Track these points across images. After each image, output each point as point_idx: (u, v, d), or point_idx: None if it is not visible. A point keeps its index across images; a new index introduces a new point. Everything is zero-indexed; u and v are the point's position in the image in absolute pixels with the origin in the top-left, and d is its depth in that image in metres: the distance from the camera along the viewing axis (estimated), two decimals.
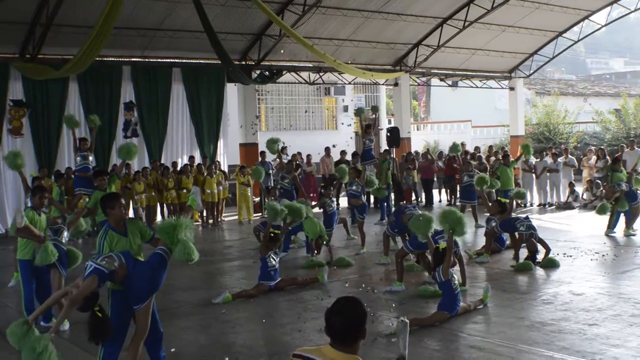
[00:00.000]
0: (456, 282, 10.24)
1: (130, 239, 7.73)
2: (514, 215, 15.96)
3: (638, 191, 18.13)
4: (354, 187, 17.20)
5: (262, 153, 24.43)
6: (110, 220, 7.77)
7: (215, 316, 10.79)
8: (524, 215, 14.94)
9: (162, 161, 23.85)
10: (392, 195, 22.82)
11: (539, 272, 13.32)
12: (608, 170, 20.17)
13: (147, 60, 24.49)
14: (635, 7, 32.07)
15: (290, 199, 17.70)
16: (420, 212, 12.58)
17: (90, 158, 17.10)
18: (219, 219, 22.83)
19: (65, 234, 10.59)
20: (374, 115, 21.63)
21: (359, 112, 20.98)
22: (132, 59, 24.17)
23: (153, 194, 21.90)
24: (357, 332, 4.26)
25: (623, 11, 33.42)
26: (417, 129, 44.54)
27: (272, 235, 12.60)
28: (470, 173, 20.04)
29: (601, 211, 17.89)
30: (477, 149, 28.24)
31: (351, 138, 35.48)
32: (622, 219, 17.74)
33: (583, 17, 31.37)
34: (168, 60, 24.97)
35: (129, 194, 20.87)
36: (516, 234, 14.33)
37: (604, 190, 19.72)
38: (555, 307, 10.44)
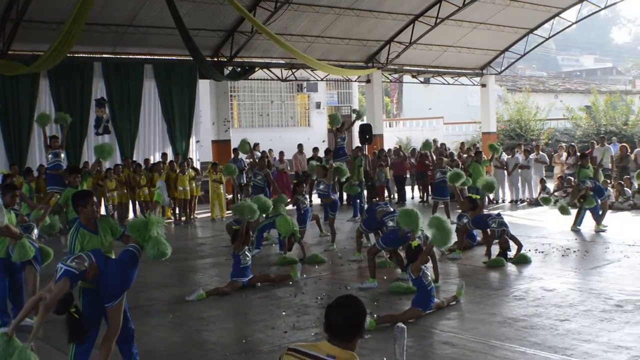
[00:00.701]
0: (429, 278, 10.26)
1: (102, 237, 7.68)
2: (486, 211, 16.07)
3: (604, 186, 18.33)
4: (321, 187, 17.16)
5: (235, 150, 24.40)
6: (81, 218, 7.71)
7: (189, 313, 10.75)
8: (496, 212, 15.01)
9: (134, 158, 23.72)
10: (365, 192, 22.83)
11: (511, 268, 13.39)
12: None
13: (118, 56, 24.34)
14: (605, 4, 32.30)
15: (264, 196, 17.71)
16: (392, 209, 12.60)
17: (62, 155, 16.97)
18: (192, 217, 22.73)
19: (36, 231, 10.50)
20: (358, 120, 21.66)
21: (333, 119, 20.78)
22: (104, 55, 24.03)
23: (125, 191, 21.78)
24: (356, 329, 4.29)
25: (593, 8, 33.61)
26: (390, 126, 44.62)
27: (234, 230, 12.71)
28: (442, 170, 20.10)
29: (563, 211, 18.08)
30: (442, 145, 28.36)
31: (324, 141, 35.45)
32: (587, 215, 17.87)
33: (554, 15, 31.57)
34: (140, 56, 24.83)
35: (101, 191, 20.73)
36: (488, 230, 14.41)
37: (568, 188, 19.89)
38: (527, 303, 10.50)
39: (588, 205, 17.63)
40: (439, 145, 28.64)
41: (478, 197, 15.92)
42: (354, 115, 22.34)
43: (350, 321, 4.28)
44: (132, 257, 7.37)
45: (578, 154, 24.01)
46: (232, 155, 24.27)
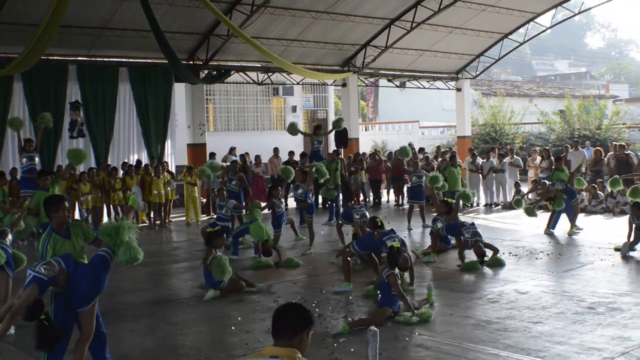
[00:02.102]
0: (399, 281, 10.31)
1: (74, 242, 7.65)
2: (461, 217, 16.14)
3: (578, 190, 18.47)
4: (299, 192, 17.13)
5: (212, 154, 24.38)
6: (53, 223, 7.67)
7: (163, 318, 10.73)
8: (470, 222, 15.06)
9: (109, 162, 23.58)
10: (341, 196, 22.85)
11: (485, 271, 13.46)
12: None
13: (93, 59, 24.23)
14: (579, 9, 32.64)
15: (238, 201, 17.68)
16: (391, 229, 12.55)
17: (37, 159, 16.88)
18: (167, 220, 22.64)
19: (10, 236, 10.43)
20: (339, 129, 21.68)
21: (292, 130, 20.72)
22: (78, 58, 23.87)
23: (100, 195, 21.65)
24: (294, 328, 4.47)
25: (568, 14, 33.94)
26: (365, 130, 44.72)
27: (208, 233, 12.82)
28: (418, 174, 20.15)
29: (529, 213, 18.23)
30: (421, 150, 28.44)
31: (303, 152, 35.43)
32: (563, 218, 18.01)
33: (528, 19, 31.79)
34: (115, 59, 24.70)
35: (75, 195, 20.61)
36: (462, 237, 14.44)
37: (540, 189, 20.04)
38: (501, 306, 10.57)
39: (557, 207, 17.79)
40: (416, 150, 28.73)
41: (453, 201, 16.01)
42: (332, 124, 22.32)
43: (287, 322, 4.48)
44: (103, 261, 7.35)
45: (552, 157, 24.18)
46: (208, 159, 24.28)
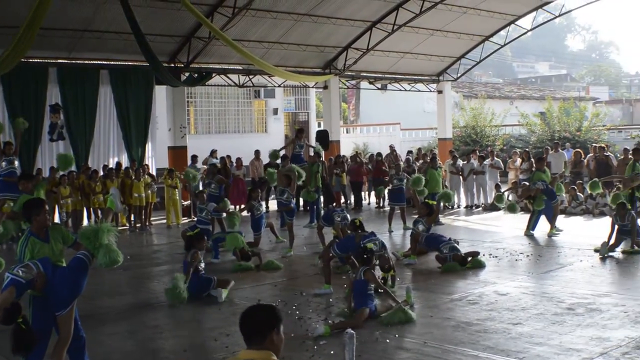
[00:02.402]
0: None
1: (53, 245, 7.61)
2: (442, 219, 16.17)
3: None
4: (284, 196, 17.02)
5: (194, 157, 24.33)
6: (33, 227, 7.63)
7: (143, 321, 10.70)
8: (449, 237, 15.10)
9: (89, 164, 23.49)
10: (322, 198, 22.86)
11: (465, 272, 13.50)
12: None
13: (73, 61, 24.14)
14: (559, 12, 32.75)
15: (218, 203, 17.60)
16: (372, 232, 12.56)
17: (16, 163, 16.75)
18: (147, 223, 22.57)
19: None
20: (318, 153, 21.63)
21: (272, 155, 20.39)
22: (59, 61, 23.79)
23: (79, 198, 21.52)
24: (264, 330, 4.44)
25: (548, 16, 34.04)
26: (347, 132, 44.78)
27: (189, 236, 12.88)
28: (399, 176, 20.18)
29: (510, 209, 18.34)
30: (410, 152, 28.50)
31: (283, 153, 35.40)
32: (543, 219, 18.11)
33: (509, 22, 31.93)
34: (95, 62, 24.63)
35: (55, 198, 20.50)
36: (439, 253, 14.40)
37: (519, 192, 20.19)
38: (481, 307, 10.61)
39: (537, 206, 17.89)
40: (396, 151, 28.85)
41: (434, 202, 16.06)
42: (313, 148, 22.27)
43: (254, 326, 4.46)
44: (81, 264, 7.31)
45: (532, 159, 24.28)
46: (191, 162, 24.26)
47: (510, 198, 22.19)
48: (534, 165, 19.36)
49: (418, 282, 12.79)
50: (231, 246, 14.82)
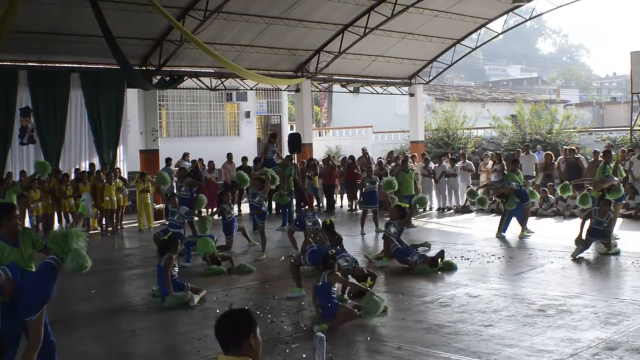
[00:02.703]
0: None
1: (22, 250, 7.55)
2: (412, 230, 16.18)
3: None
4: (256, 199, 16.98)
5: (168, 159, 24.26)
6: (2, 232, 7.57)
7: (114, 326, 10.63)
8: (420, 245, 15.15)
9: (60, 168, 23.29)
10: (294, 201, 22.86)
11: (437, 275, 13.55)
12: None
13: (44, 64, 23.93)
14: (530, 15, 32.98)
15: (189, 207, 17.52)
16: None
17: None
18: (119, 227, 22.45)
19: None
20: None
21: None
22: (29, 64, 23.59)
23: (50, 201, 21.36)
24: (239, 335, 4.40)
25: (519, 19, 34.35)
26: (319, 135, 44.77)
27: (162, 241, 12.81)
28: (372, 179, 20.22)
29: (481, 202, 18.55)
30: (391, 154, 28.53)
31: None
32: (514, 222, 18.22)
33: (480, 25, 32.09)
34: (66, 65, 24.45)
35: (25, 202, 20.30)
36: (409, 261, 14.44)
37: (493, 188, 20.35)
38: (453, 310, 10.65)
39: (508, 206, 18.02)
40: (368, 154, 28.92)
41: (407, 205, 16.12)
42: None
43: (229, 334, 4.41)
44: (50, 269, 7.25)
45: (504, 162, 24.43)
46: (165, 164, 24.20)
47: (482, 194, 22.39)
48: (508, 167, 19.47)
49: (390, 284, 12.82)
50: (202, 251, 14.78)
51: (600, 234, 15.12)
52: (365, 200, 20.68)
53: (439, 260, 14.14)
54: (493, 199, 22.56)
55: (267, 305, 11.31)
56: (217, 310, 11.03)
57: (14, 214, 7.62)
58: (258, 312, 10.62)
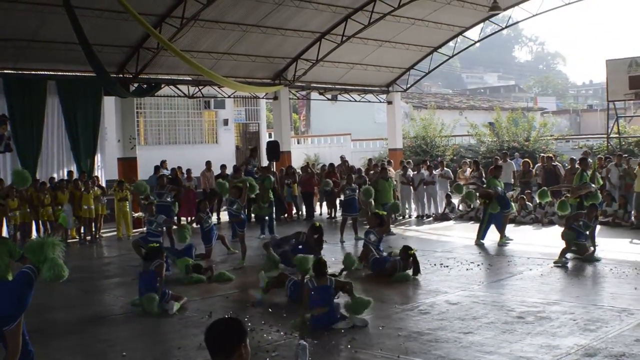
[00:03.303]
0: None
1: None
2: (391, 237, 16.18)
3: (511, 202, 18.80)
4: (234, 207, 16.94)
5: (157, 167, 24.15)
6: None
7: (94, 335, 10.55)
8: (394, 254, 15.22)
9: (37, 176, 23.12)
10: (274, 210, 22.79)
11: (417, 283, 13.56)
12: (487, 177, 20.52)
13: (20, 72, 23.75)
14: (506, 23, 33.20)
15: (168, 215, 17.44)
16: None
17: None
18: (97, 236, 22.31)
19: None
20: None
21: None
22: (5, 71, 23.40)
23: (28, 210, 21.19)
24: (230, 344, 4.34)
25: (495, 28, 34.58)
26: (298, 143, 44.78)
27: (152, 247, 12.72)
28: (351, 187, 20.22)
29: (468, 197, 18.76)
30: (389, 163, 28.58)
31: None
32: (492, 229, 18.28)
33: (457, 33, 32.25)
34: (42, 72, 24.29)
35: (2, 210, 20.17)
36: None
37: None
38: (432, 317, 10.66)
39: (491, 209, 18.03)
40: (348, 161, 28.95)
41: (384, 213, 16.14)
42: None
43: (221, 342, 4.35)
44: (26, 278, 7.20)
45: (481, 169, 24.52)
46: (154, 171, 24.09)
47: (460, 208, 22.43)
48: (490, 172, 19.39)
49: (369, 292, 12.78)
50: (181, 269, 14.75)
51: (584, 238, 15.24)
52: (345, 208, 20.68)
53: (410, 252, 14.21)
54: (472, 206, 22.69)
55: (246, 313, 11.27)
56: (203, 319, 11.01)
57: None
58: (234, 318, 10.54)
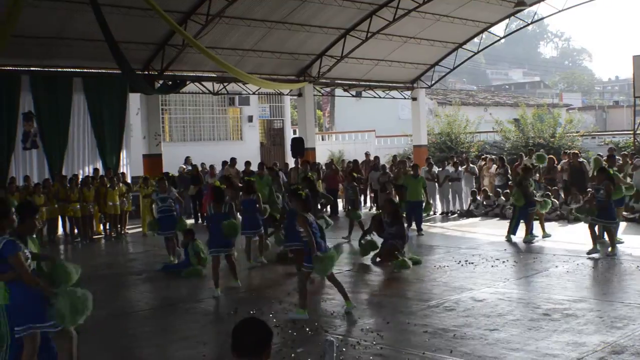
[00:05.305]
0: None
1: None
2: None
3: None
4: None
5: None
6: (21, 228, 7.53)
7: (120, 331, 10.61)
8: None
9: (64, 173, 23.30)
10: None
11: (441, 279, 13.50)
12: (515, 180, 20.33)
13: (46, 69, 23.93)
14: (532, 19, 32.99)
15: (171, 225, 16.55)
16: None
17: None
18: (123, 232, 22.43)
19: None
20: None
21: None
22: (31, 68, 23.59)
23: (55, 206, 21.32)
24: (264, 349, 4.35)
25: (521, 23, 34.34)
26: (322, 139, 44.74)
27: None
28: (352, 186, 20.32)
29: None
30: (378, 158, 28.45)
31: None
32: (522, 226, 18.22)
33: (482, 29, 32.12)
34: (68, 69, 24.45)
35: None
36: None
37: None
38: (457, 314, 10.61)
39: (516, 202, 17.97)
40: (371, 158, 28.88)
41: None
42: None
43: (251, 342, 4.35)
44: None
45: (507, 166, 24.39)
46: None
47: (485, 204, 22.38)
48: (520, 173, 19.16)
49: (395, 288, 12.80)
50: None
51: (602, 208, 15.18)
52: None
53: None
54: (495, 202, 22.58)
55: (272, 309, 11.28)
56: (228, 314, 11.01)
57: (37, 215, 7.68)
58: (236, 324, 10.58)
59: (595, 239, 15.28)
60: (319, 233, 10.71)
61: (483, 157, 27.93)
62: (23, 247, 7.09)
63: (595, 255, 14.98)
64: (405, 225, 16.63)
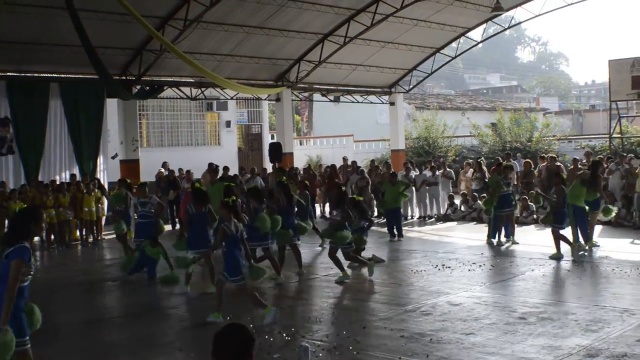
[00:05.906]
0: None
1: None
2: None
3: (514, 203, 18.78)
4: None
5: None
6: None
7: (95, 337, 10.56)
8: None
9: (40, 178, 23.15)
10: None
11: (418, 283, 13.54)
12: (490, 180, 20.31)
13: (23, 74, 23.79)
14: (509, 24, 33.17)
15: (148, 231, 16.39)
16: None
17: None
18: (99, 237, 22.31)
19: None
20: None
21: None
22: (8, 74, 23.44)
23: None
24: (246, 356, 4.32)
25: (498, 28, 34.60)
26: (300, 144, 44.72)
27: None
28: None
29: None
30: (355, 162, 28.43)
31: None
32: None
33: (460, 34, 32.26)
34: (46, 74, 24.31)
35: (4, 212, 20.17)
36: None
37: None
38: (434, 318, 10.64)
39: (487, 205, 18.09)
40: (349, 162, 28.86)
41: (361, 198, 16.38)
42: None
43: (236, 347, 4.32)
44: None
45: (484, 169, 24.46)
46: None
47: (462, 208, 22.41)
48: (499, 171, 19.15)
49: (371, 293, 12.82)
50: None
51: (555, 212, 15.73)
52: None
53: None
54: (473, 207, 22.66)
55: (248, 315, 11.25)
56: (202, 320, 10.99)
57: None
58: (218, 330, 10.55)
59: (559, 244, 15.46)
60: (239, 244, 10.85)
61: (466, 162, 27.96)
62: (33, 260, 6.99)
63: (567, 259, 15.10)
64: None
